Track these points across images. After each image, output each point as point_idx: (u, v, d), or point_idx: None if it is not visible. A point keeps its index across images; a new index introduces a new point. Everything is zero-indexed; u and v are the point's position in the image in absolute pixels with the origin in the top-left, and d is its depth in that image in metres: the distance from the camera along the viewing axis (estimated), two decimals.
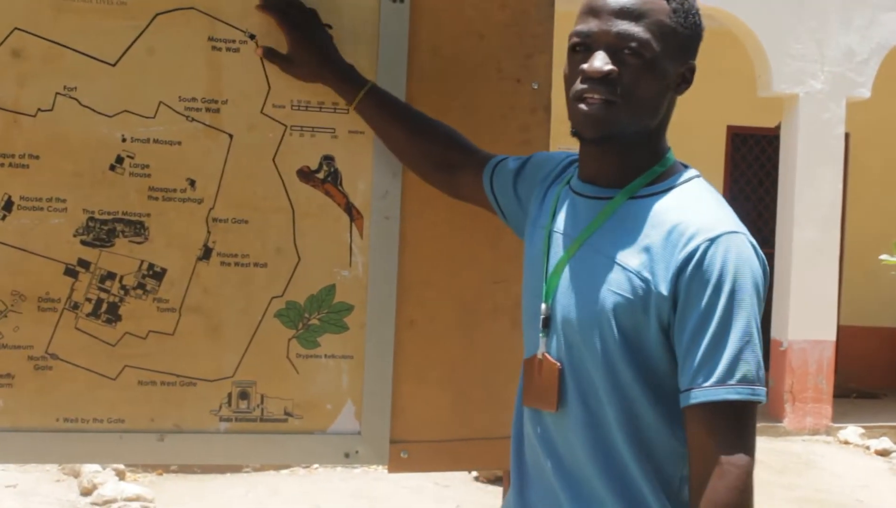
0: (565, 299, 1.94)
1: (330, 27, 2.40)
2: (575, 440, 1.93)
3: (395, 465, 2.50)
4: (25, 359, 2.30)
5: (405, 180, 2.46)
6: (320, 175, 2.42)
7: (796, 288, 9.73)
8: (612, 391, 1.89)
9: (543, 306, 1.97)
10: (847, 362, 11.04)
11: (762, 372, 1.83)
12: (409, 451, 2.50)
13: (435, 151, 2.35)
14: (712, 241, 1.83)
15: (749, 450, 1.80)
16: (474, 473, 6.71)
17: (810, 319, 9.79)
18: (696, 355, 1.81)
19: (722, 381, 1.79)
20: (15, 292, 2.28)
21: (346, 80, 2.35)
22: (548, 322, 1.97)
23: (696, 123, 10.41)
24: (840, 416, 10.22)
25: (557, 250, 1.99)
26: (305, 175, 2.41)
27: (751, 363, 1.80)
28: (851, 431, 9.94)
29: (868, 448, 9.63)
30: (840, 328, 10.26)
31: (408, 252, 2.48)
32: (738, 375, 1.79)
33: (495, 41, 2.49)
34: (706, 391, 1.79)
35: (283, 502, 6.87)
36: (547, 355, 1.96)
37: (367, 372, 2.46)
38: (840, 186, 9.90)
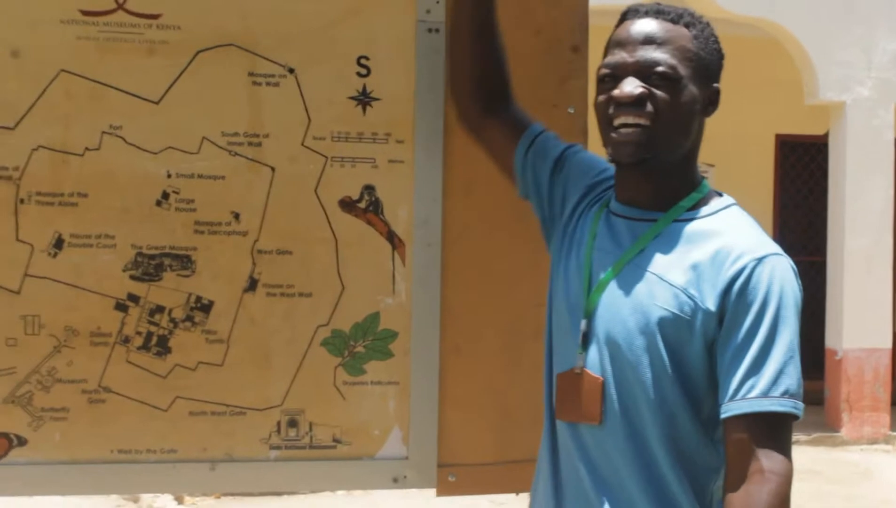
0: (609, 315, 1.98)
1: (367, 58, 2.44)
2: (615, 452, 1.97)
3: (444, 489, 2.53)
4: (79, 393, 2.36)
5: (445, 207, 2.49)
6: (362, 205, 2.46)
7: (850, 297, 9.66)
8: (654, 405, 1.94)
9: (584, 321, 2.01)
10: None
11: (801, 388, 1.89)
12: (456, 474, 2.53)
13: (491, 83, 2.35)
14: (759, 261, 1.91)
15: (789, 461, 1.86)
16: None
17: (865, 327, 9.71)
18: (740, 367, 1.87)
19: (766, 393, 1.86)
20: (68, 328, 2.34)
21: None
22: (585, 338, 2.01)
23: (744, 133, 10.40)
24: None
25: (600, 268, 2.03)
26: (347, 205, 2.45)
27: (793, 378, 1.87)
28: None
29: None
30: None
31: (450, 278, 2.51)
32: (781, 388, 1.86)
33: (530, 67, 2.52)
34: (751, 402, 1.86)
35: None
36: (586, 369, 2.00)
37: (413, 398, 2.49)
38: (891, 192, 9.82)
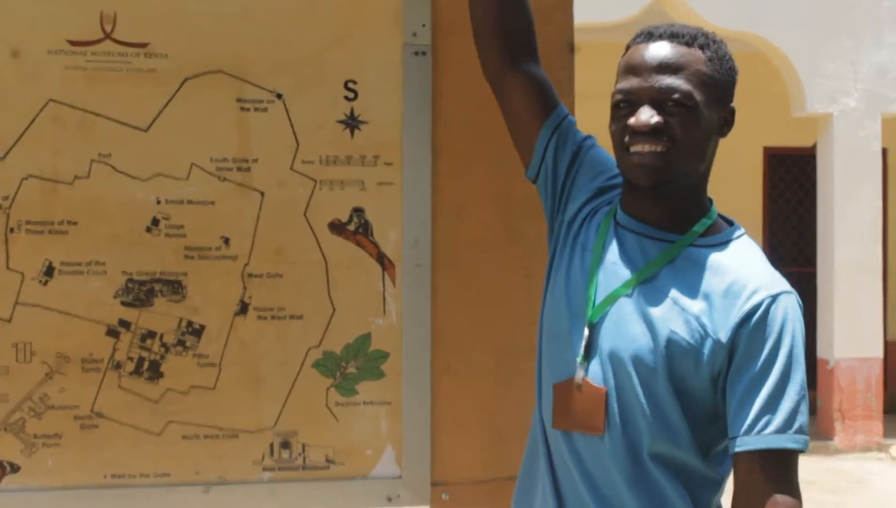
0: (617, 330, 1.99)
1: (355, 82, 2.47)
2: (611, 463, 1.98)
3: (437, 507, 2.54)
4: (72, 419, 2.37)
5: (435, 228, 2.51)
6: (351, 227, 2.47)
7: (840, 306, 9.70)
8: (654, 421, 1.95)
9: (586, 330, 2.02)
10: None
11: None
12: (450, 493, 2.54)
13: (513, 27, 2.27)
14: (774, 298, 1.93)
15: (799, 495, 1.91)
16: None
17: (856, 336, 9.75)
18: (754, 403, 1.90)
19: (782, 430, 1.89)
20: (60, 355, 2.35)
21: None
22: (588, 348, 2.01)
23: (732, 146, 10.38)
24: (891, 432, 10.16)
25: (607, 280, 2.03)
26: (337, 228, 2.47)
27: (805, 416, 1.92)
28: None
29: None
30: (887, 344, 10.21)
31: (441, 298, 2.53)
32: (795, 425, 1.90)
33: None
34: (766, 439, 1.89)
35: None
36: (588, 380, 2.00)
37: (406, 417, 2.51)
38: (879, 202, 9.88)
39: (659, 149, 1.95)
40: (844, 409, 9.86)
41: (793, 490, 1.89)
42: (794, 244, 11.45)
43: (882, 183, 10.01)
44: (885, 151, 10.22)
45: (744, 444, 1.90)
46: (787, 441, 1.89)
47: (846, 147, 9.79)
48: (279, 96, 2.44)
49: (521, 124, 2.26)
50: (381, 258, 2.49)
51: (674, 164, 1.97)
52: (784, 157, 11.65)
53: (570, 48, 2.61)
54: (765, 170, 11.62)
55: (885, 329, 10.18)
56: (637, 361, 1.96)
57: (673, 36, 2.00)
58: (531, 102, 2.24)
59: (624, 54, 2.06)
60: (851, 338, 9.77)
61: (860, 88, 9.86)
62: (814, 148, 10.32)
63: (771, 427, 1.88)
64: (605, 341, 2.00)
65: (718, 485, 2.02)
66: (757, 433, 1.89)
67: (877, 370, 9.89)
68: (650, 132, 1.95)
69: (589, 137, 2.26)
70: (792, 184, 11.75)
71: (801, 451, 1.91)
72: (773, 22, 9.64)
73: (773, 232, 11.54)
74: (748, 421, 1.90)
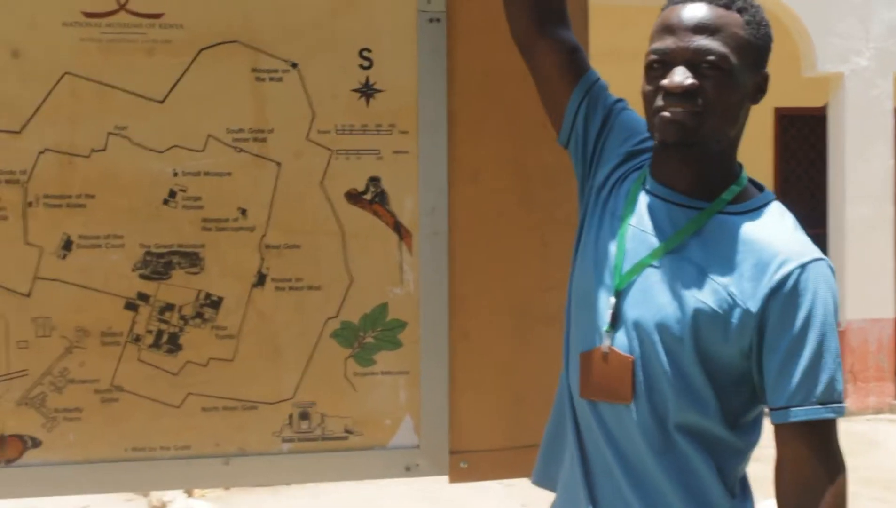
0: (644, 299, 1.98)
1: (369, 50, 2.45)
2: (637, 432, 1.98)
3: (456, 475, 2.55)
4: (92, 392, 2.37)
5: (451, 196, 2.50)
6: (368, 196, 2.47)
7: (852, 267, 9.68)
8: (680, 391, 1.95)
9: (612, 299, 2.01)
10: None
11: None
12: (468, 461, 2.55)
13: (546, 3, 2.25)
14: (804, 267, 1.91)
15: (844, 462, 1.92)
16: None
17: (868, 297, 9.73)
18: (794, 375, 1.90)
19: (824, 401, 1.89)
20: (79, 329, 2.36)
21: None
22: (614, 317, 2.01)
23: None
24: None
25: (635, 249, 2.02)
26: (353, 197, 2.46)
27: (842, 383, 1.92)
28: None
29: None
30: None
31: (457, 266, 2.52)
32: (835, 395, 1.90)
33: None
34: (809, 410, 1.89)
35: None
36: (614, 348, 1.99)
37: (424, 386, 2.51)
38: (891, 161, 9.82)
39: (691, 109, 1.92)
40: (856, 371, 9.86)
41: (836, 457, 1.90)
42: (805, 205, 11.40)
43: (894, 142, 9.95)
44: None
45: (787, 415, 1.90)
46: (827, 412, 1.89)
47: (858, 107, 9.74)
48: (294, 66, 2.42)
49: (551, 89, 2.24)
50: (398, 227, 2.49)
51: (705, 126, 1.93)
52: (795, 117, 11.60)
53: (585, 13, 2.59)
54: (776, 131, 11.58)
55: None
56: (663, 330, 1.95)
57: None
58: (561, 67, 2.22)
59: (660, 14, 2.02)
60: (863, 299, 9.75)
61: (871, 47, 9.79)
62: (825, 108, 10.27)
63: (812, 399, 1.89)
64: (632, 310, 1.99)
65: (744, 455, 2.02)
66: (798, 405, 1.89)
67: (888, 331, 9.88)
68: (683, 94, 1.92)
69: (620, 100, 2.23)
70: (803, 145, 11.71)
71: (838, 418, 1.92)
72: None
73: (785, 193, 11.50)
74: (789, 393, 1.90)
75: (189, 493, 7.01)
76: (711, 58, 1.92)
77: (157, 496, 6.88)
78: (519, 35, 2.28)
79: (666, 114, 1.94)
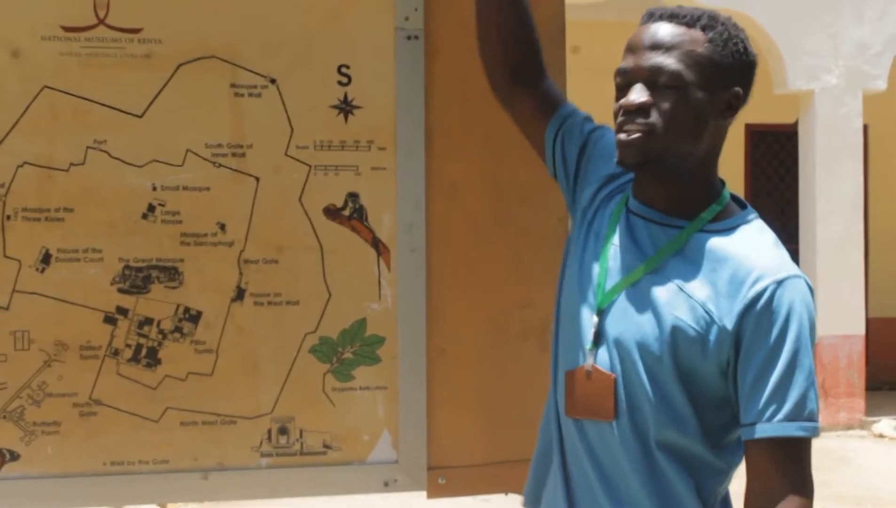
0: (624, 317, 1.99)
1: (348, 66, 2.47)
2: (619, 450, 1.99)
3: (434, 491, 2.56)
4: (71, 406, 2.37)
5: (429, 212, 2.52)
6: (346, 212, 2.48)
7: (823, 284, 9.73)
8: (660, 409, 1.95)
9: (595, 317, 2.02)
10: (878, 354, 11.03)
11: (818, 409, 1.92)
12: (446, 476, 2.55)
13: (517, 50, 2.29)
14: (779, 283, 1.91)
15: (811, 484, 1.90)
16: None
17: (838, 314, 9.78)
18: (764, 391, 1.89)
19: (791, 417, 1.88)
20: (57, 342, 2.36)
21: None
22: (596, 334, 2.02)
23: None
24: (873, 409, 10.22)
25: (616, 267, 2.03)
26: (332, 213, 2.47)
27: (814, 402, 1.90)
28: (886, 424, 9.94)
29: None
30: (869, 321, 10.26)
31: (435, 282, 2.53)
32: (805, 412, 1.89)
33: None
34: (776, 426, 1.88)
35: None
36: (597, 366, 2.00)
37: (402, 402, 2.52)
38: (861, 178, 9.91)
39: (643, 128, 1.94)
40: (827, 387, 9.90)
41: (803, 478, 1.89)
42: (776, 222, 11.41)
43: (863, 160, 10.04)
44: (866, 128, 10.24)
45: (753, 432, 1.90)
46: (796, 429, 1.88)
47: (828, 124, 9.81)
48: (273, 81, 2.44)
49: (531, 131, 2.29)
50: (376, 243, 2.50)
51: (658, 144, 1.95)
52: (766, 134, 11.68)
53: (561, 31, 2.61)
54: (746, 147, 11.65)
55: (867, 307, 10.23)
56: (642, 348, 1.96)
57: (673, 16, 1.99)
58: (538, 112, 2.27)
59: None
60: (834, 316, 9.80)
61: (841, 65, 9.88)
62: (795, 125, 10.34)
63: (780, 415, 1.88)
64: (613, 328, 2.00)
65: (725, 475, 2.02)
66: (766, 420, 1.88)
67: (859, 348, 9.94)
68: (637, 112, 1.95)
69: (598, 127, 2.26)
70: (773, 161, 11.78)
71: (811, 438, 1.90)
72: None
73: (755, 209, 11.51)
74: (757, 409, 1.89)
75: (162, 507, 6.97)
76: (664, 77, 1.94)
77: None
78: (497, 91, 2.33)
79: (621, 136, 1.97)
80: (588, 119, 2.27)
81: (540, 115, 2.27)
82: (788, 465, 1.88)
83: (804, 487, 1.88)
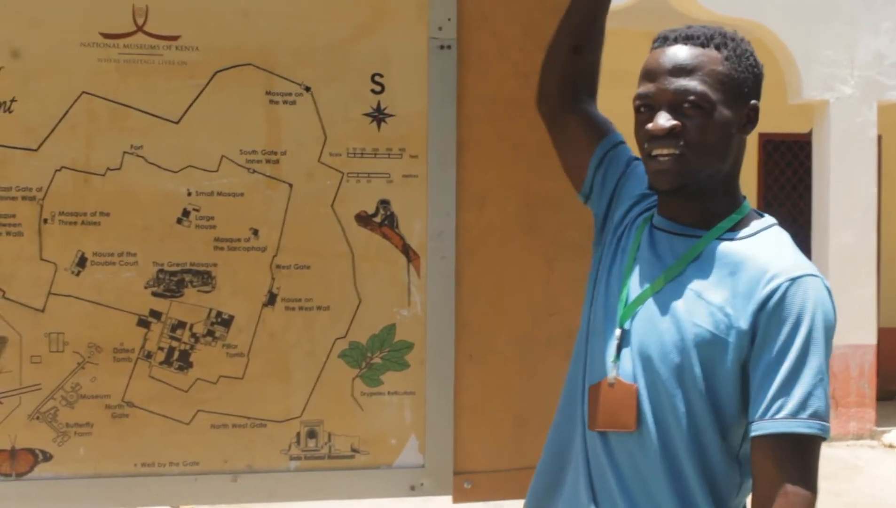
0: (645, 328, 2.02)
1: (381, 75, 2.50)
2: (643, 462, 2.01)
3: (459, 495, 2.58)
4: (103, 408, 2.40)
5: (459, 220, 2.55)
6: (377, 219, 2.51)
7: (835, 293, 9.41)
8: (683, 419, 1.98)
9: (619, 330, 2.05)
10: (889, 364, 11.03)
11: (829, 410, 1.92)
12: (472, 481, 2.58)
13: (584, 72, 2.35)
14: (793, 281, 1.94)
15: (814, 483, 1.90)
16: None
17: (850, 323, 9.77)
18: (770, 388, 1.91)
19: (794, 415, 1.89)
20: (91, 345, 2.39)
21: None
22: (619, 347, 2.05)
23: None
24: (884, 419, 10.22)
25: (638, 280, 2.07)
26: (363, 219, 2.50)
27: (822, 401, 1.91)
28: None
29: None
30: (880, 331, 10.26)
31: (464, 289, 2.56)
32: (809, 410, 1.89)
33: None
34: (777, 423, 1.90)
35: None
36: (619, 378, 2.03)
37: (429, 407, 2.55)
38: (874, 189, 9.90)
39: (676, 152, 1.98)
40: (838, 396, 9.91)
41: (807, 477, 1.89)
42: (788, 231, 11.36)
43: (877, 170, 10.04)
44: (880, 139, 10.25)
45: (757, 429, 1.92)
46: (798, 426, 1.89)
47: (842, 134, 9.82)
48: (307, 89, 2.46)
49: (571, 157, 2.33)
50: (406, 250, 2.53)
51: (692, 166, 1.99)
52: (779, 143, 11.69)
53: None
54: (760, 157, 11.66)
55: (879, 317, 10.24)
56: (664, 357, 1.99)
57: (688, 38, 2.03)
58: (584, 139, 2.31)
59: (645, 59, 2.09)
60: (845, 325, 9.76)
61: (856, 76, 9.89)
62: (809, 135, 10.35)
63: (784, 412, 1.89)
64: (636, 340, 2.03)
65: (742, 486, 2.04)
66: (770, 417, 1.90)
67: (870, 358, 9.94)
68: (667, 136, 1.99)
69: (631, 156, 2.30)
70: (787, 170, 11.79)
71: (818, 437, 1.90)
72: (771, 8, 9.65)
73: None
74: (763, 406, 1.91)
75: None
76: (692, 98, 1.98)
77: None
78: (546, 111, 2.37)
79: (653, 163, 2.01)
80: (623, 148, 2.31)
81: (585, 140, 2.30)
82: (790, 462, 1.89)
83: (805, 484, 1.88)
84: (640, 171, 2.24)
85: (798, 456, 1.90)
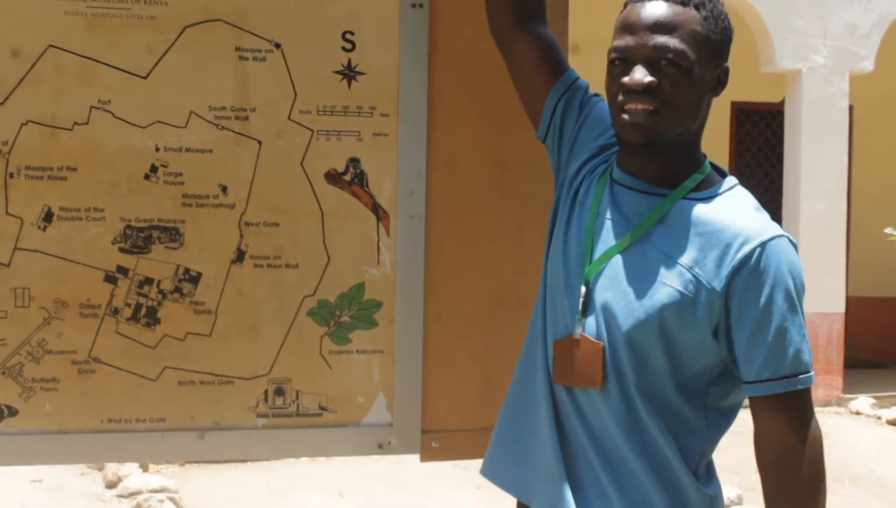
0: (611, 285, 2.04)
1: (352, 33, 2.48)
2: (609, 416, 2.04)
3: (427, 454, 2.59)
4: (69, 363, 2.39)
5: (429, 180, 2.54)
6: (347, 177, 2.50)
7: (805, 261, 9.38)
8: (647, 375, 2.02)
9: (584, 288, 2.06)
10: (857, 332, 11.11)
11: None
12: (439, 440, 2.58)
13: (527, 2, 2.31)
14: (765, 244, 1.98)
15: (818, 427, 2.00)
16: None
17: (819, 291, 9.83)
18: (762, 349, 1.97)
19: (791, 373, 1.97)
20: (58, 300, 2.37)
21: None
22: (585, 303, 2.06)
23: None
24: (851, 387, 10.32)
25: (602, 237, 2.08)
26: (333, 178, 2.49)
27: (808, 354, 2.00)
28: (863, 401, 10.04)
29: (879, 417, 9.74)
30: (849, 299, 10.33)
31: (433, 249, 2.56)
32: (802, 366, 1.98)
33: None
34: (776, 385, 1.98)
35: (307, 488, 6.97)
36: (585, 335, 2.05)
37: (398, 366, 2.55)
38: (845, 158, 9.95)
39: (651, 108, 1.99)
40: None
41: (809, 424, 1.98)
42: (759, 200, 11.37)
43: (848, 140, 10.08)
44: (851, 108, 10.28)
45: (756, 390, 1.98)
46: (796, 384, 1.97)
47: (814, 104, 9.85)
48: (277, 46, 2.45)
49: (529, 87, 2.31)
50: (376, 209, 2.52)
51: (664, 123, 2.01)
52: (751, 112, 11.71)
53: (566, 4, 2.63)
54: (732, 125, 11.68)
55: (847, 285, 10.30)
56: (629, 314, 2.01)
57: None
58: (540, 65, 2.29)
59: (621, 12, 2.09)
60: (815, 293, 9.81)
61: (829, 45, 9.91)
62: (782, 104, 10.38)
63: (781, 373, 1.97)
64: (601, 296, 2.05)
65: (705, 436, 2.07)
66: (767, 379, 1.97)
67: (838, 326, 10.02)
68: (643, 91, 1.99)
69: (595, 95, 2.29)
70: (758, 139, 11.82)
71: (810, 386, 2.00)
72: None
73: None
74: (757, 368, 1.97)
75: (144, 468, 7.00)
76: (670, 55, 1.99)
77: (112, 470, 6.86)
78: (498, 31, 2.34)
79: (626, 117, 2.01)
80: (585, 87, 2.30)
81: (543, 71, 2.28)
82: (795, 417, 1.98)
83: (811, 432, 1.97)
84: (596, 115, 2.25)
85: (800, 408, 1.99)
